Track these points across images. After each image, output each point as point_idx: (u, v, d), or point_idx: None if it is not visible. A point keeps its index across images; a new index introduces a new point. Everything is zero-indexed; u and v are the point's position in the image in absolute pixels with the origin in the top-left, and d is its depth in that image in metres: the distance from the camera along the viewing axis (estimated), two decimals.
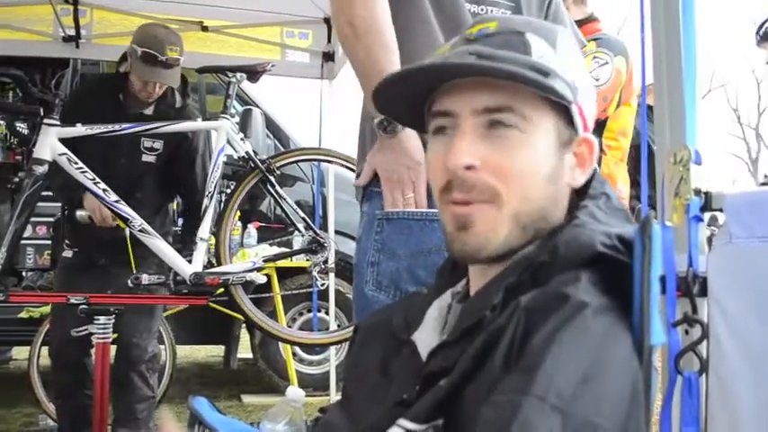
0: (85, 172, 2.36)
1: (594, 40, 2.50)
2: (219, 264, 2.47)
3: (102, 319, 2.28)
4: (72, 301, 2.30)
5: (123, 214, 2.40)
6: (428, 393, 0.74)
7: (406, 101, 0.86)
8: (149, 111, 2.74)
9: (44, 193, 2.41)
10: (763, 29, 3.07)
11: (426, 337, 0.85)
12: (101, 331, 2.28)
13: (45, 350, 3.58)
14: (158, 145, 2.76)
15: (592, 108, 0.86)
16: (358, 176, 1.34)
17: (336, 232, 3.67)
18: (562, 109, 0.80)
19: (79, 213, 2.66)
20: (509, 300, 0.75)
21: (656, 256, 0.71)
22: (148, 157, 2.77)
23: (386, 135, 1.19)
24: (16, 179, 3.28)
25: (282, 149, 4.26)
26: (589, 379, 0.66)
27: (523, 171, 0.78)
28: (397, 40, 1.23)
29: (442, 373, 0.75)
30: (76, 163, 2.35)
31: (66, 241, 2.85)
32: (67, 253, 2.83)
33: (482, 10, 1.37)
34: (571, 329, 0.68)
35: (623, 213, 0.84)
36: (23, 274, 4.01)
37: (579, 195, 0.85)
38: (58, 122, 2.34)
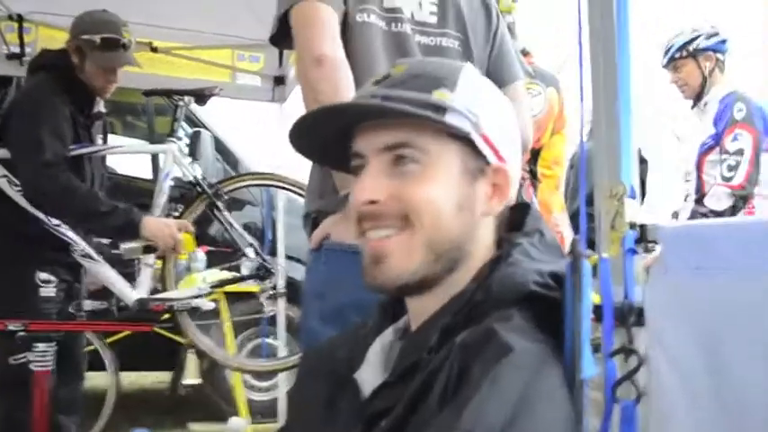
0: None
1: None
2: (165, 289, 2.42)
3: (40, 346, 2.21)
4: (10, 327, 2.23)
5: (65, 239, 2.34)
6: None
7: (323, 141, 0.89)
8: (102, 107, 2.58)
9: None
10: (667, 57, 3.13)
11: (369, 376, 0.85)
12: (39, 359, 2.21)
13: None
14: None
15: (507, 138, 0.88)
16: (306, 204, 1.35)
17: (287, 257, 3.64)
18: (465, 141, 0.83)
19: (127, 247, 2.40)
20: (445, 339, 0.76)
21: (587, 291, 0.73)
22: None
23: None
24: None
25: (232, 172, 4.22)
26: (519, 414, 0.67)
27: (427, 199, 0.82)
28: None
29: (385, 413, 0.76)
30: (16, 185, 2.29)
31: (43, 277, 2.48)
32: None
33: (431, 41, 1.41)
34: (502, 365, 0.69)
35: (557, 250, 0.86)
36: None
37: (513, 230, 0.87)
38: None
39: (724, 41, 3.12)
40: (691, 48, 3.08)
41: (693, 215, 2.98)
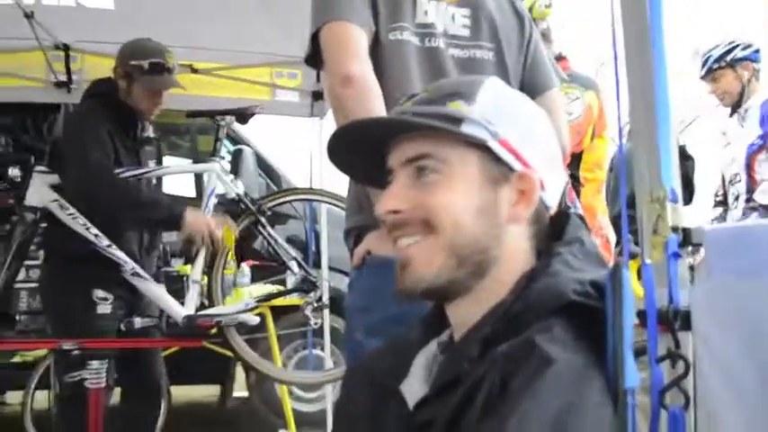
0: (77, 218, 2.38)
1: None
2: (212, 305, 2.47)
3: (94, 363, 2.27)
4: (64, 346, 2.30)
5: (115, 259, 2.41)
6: None
7: (362, 159, 0.94)
8: (152, 132, 2.71)
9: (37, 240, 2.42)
10: (705, 68, 3.27)
11: (414, 388, 0.86)
12: (93, 376, 2.27)
13: (39, 395, 3.56)
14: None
15: (533, 145, 0.89)
16: (347, 220, 1.37)
17: (330, 268, 3.67)
18: (485, 149, 0.85)
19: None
20: (486, 351, 0.76)
21: (628, 300, 0.73)
22: None
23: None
24: (8, 225, 3.28)
25: (274, 188, 4.29)
26: (561, 427, 0.67)
27: (446, 205, 0.84)
28: (377, 80, 1.27)
29: (428, 425, 0.76)
30: (68, 209, 2.37)
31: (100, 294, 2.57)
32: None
33: (465, 54, 1.41)
34: (543, 378, 0.69)
35: (597, 258, 0.86)
36: (17, 318, 3.99)
37: (554, 238, 0.87)
38: (48, 169, 2.36)
39: (758, 51, 3.27)
40: (728, 58, 3.23)
41: (745, 213, 3.09)
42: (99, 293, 2.47)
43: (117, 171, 2.44)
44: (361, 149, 0.92)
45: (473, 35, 1.42)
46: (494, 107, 0.87)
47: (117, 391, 2.64)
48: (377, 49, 1.33)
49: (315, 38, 1.34)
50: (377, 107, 1.23)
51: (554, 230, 0.89)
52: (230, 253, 2.68)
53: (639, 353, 0.77)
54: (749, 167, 3.12)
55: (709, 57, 3.25)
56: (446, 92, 0.89)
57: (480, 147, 0.85)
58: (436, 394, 0.80)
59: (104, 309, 2.51)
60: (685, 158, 3.51)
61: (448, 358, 0.86)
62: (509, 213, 0.86)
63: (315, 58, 1.36)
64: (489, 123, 0.85)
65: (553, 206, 0.91)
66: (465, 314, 0.86)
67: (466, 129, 0.85)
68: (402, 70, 1.34)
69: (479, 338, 0.79)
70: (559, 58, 2.71)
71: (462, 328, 0.86)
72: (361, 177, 1.09)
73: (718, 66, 3.23)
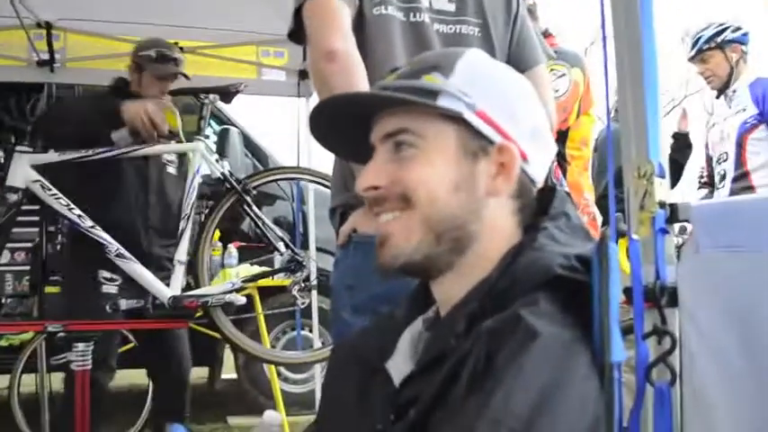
0: (59, 198, 2.35)
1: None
2: (198, 286, 2.45)
3: (80, 345, 2.26)
4: (49, 329, 2.28)
5: (99, 240, 2.39)
6: (399, 423, 0.75)
7: (346, 136, 0.93)
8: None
9: (23, 219, 2.39)
10: (695, 49, 3.30)
11: (400, 365, 0.86)
12: (79, 359, 2.25)
13: (26, 378, 3.54)
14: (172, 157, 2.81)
15: (515, 116, 0.87)
16: (332, 198, 1.36)
17: (318, 249, 3.66)
18: (463, 122, 0.84)
19: (116, 136, 2.53)
20: (472, 326, 0.76)
21: (615, 274, 0.72)
22: (170, 168, 2.81)
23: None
24: None
25: (261, 168, 4.26)
26: (547, 401, 0.66)
27: (421, 179, 0.83)
28: (361, 55, 1.25)
29: (413, 401, 0.76)
30: (50, 189, 2.34)
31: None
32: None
33: (450, 29, 1.39)
34: (528, 351, 0.69)
35: (583, 232, 0.85)
36: (2, 301, 3.96)
37: (541, 214, 0.86)
38: (30, 149, 2.33)
39: (747, 34, 3.30)
40: (718, 39, 3.25)
41: (733, 192, 3.14)
42: (104, 274, 2.52)
43: (102, 149, 2.43)
44: (344, 125, 0.90)
45: (458, 10, 1.41)
46: (471, 78, 0.86)
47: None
48: (361, 24, 1.31)
49: (298, 13, 1.32)
50: (360, 83, 1.21)
51: (540, 206, 0.88)
52: (216, 233, 2.66)
53: (627, 332, 0.77)
54: (740, 146, 3.16)
55: (699, 37, 3.28)
56: (426, 65, 0.87)
57: (457, 120, 0.84)
58: (422, 371, 0.80)
59: (109, 289, 2.55)
60: (687, 147, 3.54)
61: (433, 335, 0.85)
62: (488, 187, 0.85)
63: (298, 33, 1.34)
64: (465, 95, 0.84)
65: (539, 180, 0.89)
66: (449, 291, 0.85)
67: (441, 102, 0.83)
68: (386, 45, 1.32)
69: (465, 314, 0.78)
70: (546, 34, 2.69)
71: (447, 305, 0.85)
72: (345, 154, 1.08)
73: (708, 47, 3.26)
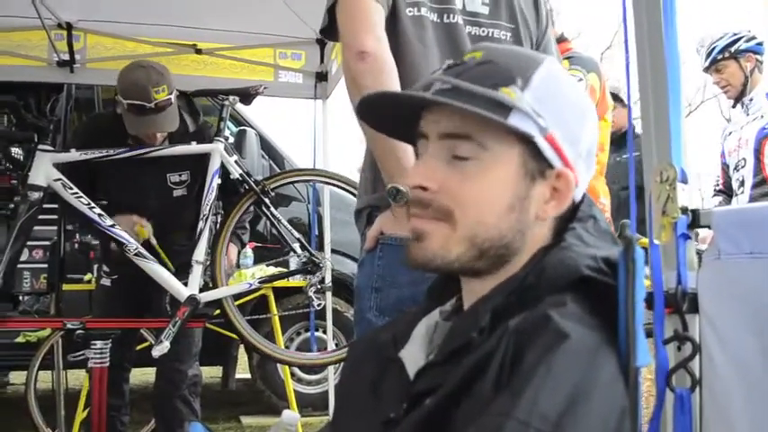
0: (80, 197, 2.37)
1: (567, 59, 2.64)
2: (215, 286, 2.47)
3: (98, 343, 2.28)
4: (68, 326, 2.30)
5: (118, 238, 2.41)
6: (414, 412, 0.75)
7: (392, 120, 0.90)
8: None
9: (41, 217, 2.42)
10: (709, 59, 3.31)
11: (413, 355, 0.85)
12: (97, 356, 2.27)
13: (42, 375, 3.58)
14: (185, 177, 2.67)
15: (578, 143, 0.85)
16: (359, 200, 1.37)
17: (333, 251, 3.67)
18: (530, 142, 0.81)
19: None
20: (497, 322, 0.76)
21: (640, 278, 0.72)
22: (179, 191, 2.68)
23: (396, 204, 1.20)
24: (11, 204, 3.28)
25: (277, 169, 4.28)
26: (575, 403, 0.66)
27: (479, 198, 0.81)
28: (394, 55, 1.26)
29: (429, 392, 0.76)
30: (71, 188, 2.37)
31: (105, 269, 2.78)
32: (105, 281, 2.76)
33: (483, 32, 1.40)
34: (557, 353, 0.69)
35: (610, 236, 0.85)
36: (20, 298, 4.00)
37: (569, 217, 0.86)
38: (52, 148, 2.35)
39: (761, 44, 3.32)
40: (732, 49, 3.26)
41: (753, 199, 3.16)
42: (104, 268, 2.59)
43: (123, 150, 2.46)
44: (391, 112, 0.88)
45: (492, 14, 1.41)
46: (545, 95, 0.82)
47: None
48: (394, 25, 1.32)
49: (332, 9, 1.32)
50: (391, 83, 1.22)
51: (568, 210, 0.87)
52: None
53: (648, 335, 0.77)
54: (758, 152, 3.18)
55: (714, 47, 3.30)
56: (503, 72, 0.82)
57: (525, 139, 0.81)
58: (443, 360, 0.79)
59: (106, 282, 2.66)
60: None
61: (456, 325, 0.85)
62: (539, 211, 0.83)
63: (330, 29, 1.34)
64: (538, 116, 0.80)
65: (579, 199, 0.87)
66: (477, 286, 0.85)
67: (513, 120, 0.79)
68: (419, 46, 1.33)
69: (490, 308, 0.78)
70: (561, 39, 2.68)
71: (473, 297, 0.85)
72: (386, 130, 1.00)
73: (722, 56, 3.28)
